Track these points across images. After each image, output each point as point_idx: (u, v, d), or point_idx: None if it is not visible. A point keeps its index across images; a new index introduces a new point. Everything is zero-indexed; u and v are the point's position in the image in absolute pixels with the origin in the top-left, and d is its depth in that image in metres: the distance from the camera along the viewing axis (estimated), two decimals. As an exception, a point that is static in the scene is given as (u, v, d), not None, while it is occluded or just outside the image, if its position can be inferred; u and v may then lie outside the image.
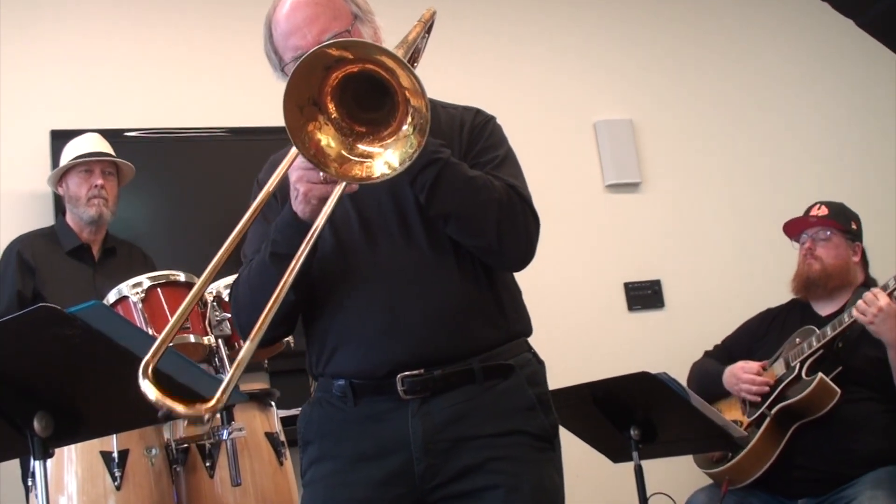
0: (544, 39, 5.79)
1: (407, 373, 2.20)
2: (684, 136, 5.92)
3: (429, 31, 2.43)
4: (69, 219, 4.23)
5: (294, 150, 2.00)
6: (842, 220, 4.05)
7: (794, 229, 4.18)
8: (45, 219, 4.52)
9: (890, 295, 3.62)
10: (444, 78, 5.31)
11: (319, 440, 2.31)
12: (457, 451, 2.19)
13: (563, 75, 5.77)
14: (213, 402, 1.68)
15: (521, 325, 2.37)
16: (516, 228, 2.23)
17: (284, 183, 2.12)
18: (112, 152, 4.26)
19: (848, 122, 6.25)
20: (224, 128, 4.94)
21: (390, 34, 2.33)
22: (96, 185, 4.15)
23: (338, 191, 2.01)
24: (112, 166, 4.25)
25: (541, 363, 2.38)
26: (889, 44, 1.27)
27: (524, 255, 2.29)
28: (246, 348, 1.80)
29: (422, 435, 2.19)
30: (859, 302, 3.66)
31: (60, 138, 4.53)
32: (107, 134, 4.38)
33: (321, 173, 2.00)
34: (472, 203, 2.18)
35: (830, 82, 6.30)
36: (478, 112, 2.46)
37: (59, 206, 4.48)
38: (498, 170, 2.29)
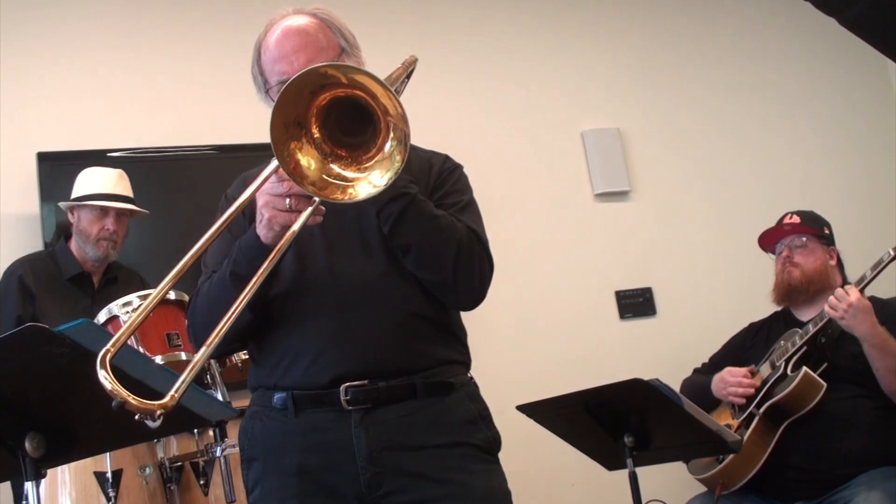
0: (531, 49, 5.81)
1: (352, 383, 2.25)
2: (672, 144, 5.93)
3: (408, 76, 2.52)
4: (73, 247, 4.17)
5: (269, 168, 2.08)
6: (815, 226, 4.10)
7: (769, 240, 4.22)
8: (32, 241, 4.51)
9: (861, 291, 3.65)
10: (433, 91, 5.33)
11: (264, 456, 2.35)
12: (402, 461, 2.24)
13: (550, 85, 5.79)
14: (166, 400, 1.73)
15: (462, 355, 2.46)
16: (472, 269, 2.33)
17: (253, 200, 2.17)
18: (130, 193, 4.19)
19: (837, 131, 6.27)
20: (210, 146, 4.94)
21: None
22: (108, 229, 4.09)
23: (301, 220, 2.10)
24: (127, 209, 4.16)
25: (477, 387, 2.46)
26: (873, 41, 1.27)
27: (476, 295, 2.39)
28: (201, 353, 1.92)
29: (366, 445, 2.24)
30: (831, 298, 3.71)
31: (47, 160, 4.52)
32: (92, 155, 4.38)
33: (287, 201, 2.10)
34: (433, 239, 2.28)
35: (819, 90, 6.32)
36: (447, 158, 2.55)
37: (46, 229, 4.46)
38: (461, 214, 2.39)
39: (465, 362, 2.45)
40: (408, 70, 2.48)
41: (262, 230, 2.16)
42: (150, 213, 4.34)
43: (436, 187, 2.44)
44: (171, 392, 1.74)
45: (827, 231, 4.11)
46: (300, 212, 2.11)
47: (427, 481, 2.24)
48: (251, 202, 2.17)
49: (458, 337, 2.45)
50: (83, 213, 4.12)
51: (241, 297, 2.00)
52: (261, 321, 2.32)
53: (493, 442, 2.39)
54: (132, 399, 1.68)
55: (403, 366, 2.30)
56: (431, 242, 2.28)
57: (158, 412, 1.71)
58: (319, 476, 2.26)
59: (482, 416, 2.39)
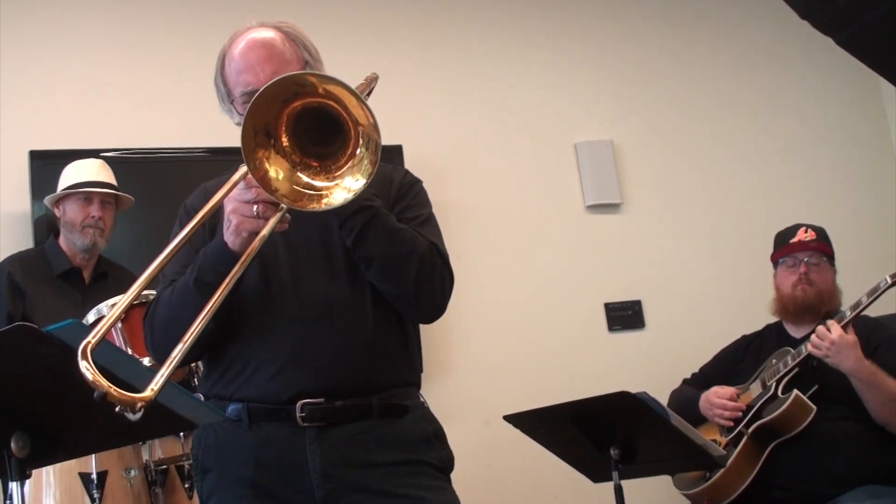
0: (524, 61, 5.81)
1: (309, 400, 2.27)
2: (665, 157, 5.94)
3: (370, 92, 2.55)
4: (62, 242, 4.18)
5: (238, 173, 2.12)
6: (828, 245, 4.07)
7: (785, 252, 4.12)
8: (24, 240, 4.50)
9: (846, 325, 3.63)
10: (425, 102, 5.34)
11: (219, 468, 2.36)
12: (357, 478, 2.27)
13: (543, 96, 5.79)
14: (146, 394, 1.71)
15: (417, 376, 2.50)
16: (433, 282, 2.36)
17: (215, 212, 2.18)
18: (113, 181, 4.22)
19: (831, 144, 6.27)
20: (203, 148, 4.93)
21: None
22: (93, 216, 4.11)
23: (269, 226, 2.12)
24: (111, 196, 4.20)
25: (429, 409, 2.51)
26: (869, 62, 1.28)
27: (437, 307, 2.42)
28: (178, 349, 1.90)
29: (320, 462, 2.27)
30: (813, 337, 3.69)
31: (39, 159, 4.51)
32: (85, 154, 4.36)
33: (254, 207, 2.12)
34: (395, 252, 2.31)
35: (813, 103, 6.33)
36: (406, 172, 2.60)
37: (38, 228, 4.44)
38: (421, 228, 2.43)
39: (418, 384, 2.49)
40: (370, 86, 2.52)
41: (229, 237, 2.18)
42: (141, 215, 4.33)
43: (396, 201, 2.47)
44: (151, 385, 1.73)
45: (832, 250, 4.09)
46: (267, 219, 2.13)
47: (383, 497, 2.27)
48: (216, 212, 2.19)
49: (414, 357, 2.49)
50: (68, 204, 4.15)
51: (210, 305, 2.00)
52: (222, 330, 2.33)
53: (446, 461, 2.42)
54: (113, 390, 1.65)
55: (361, 386, 2.33)
56: (394, 255, 2.30)
57: (139, 404, 1.69)
58: (274, 489, 2.28)
59: (437, 435, 2.43)
